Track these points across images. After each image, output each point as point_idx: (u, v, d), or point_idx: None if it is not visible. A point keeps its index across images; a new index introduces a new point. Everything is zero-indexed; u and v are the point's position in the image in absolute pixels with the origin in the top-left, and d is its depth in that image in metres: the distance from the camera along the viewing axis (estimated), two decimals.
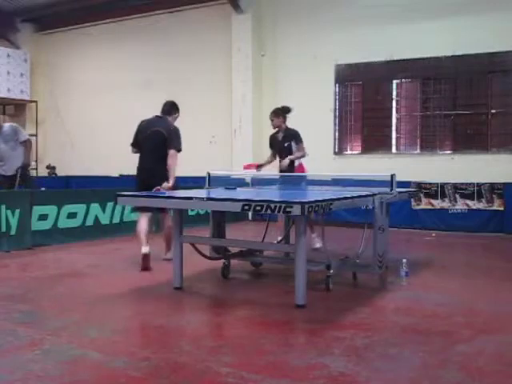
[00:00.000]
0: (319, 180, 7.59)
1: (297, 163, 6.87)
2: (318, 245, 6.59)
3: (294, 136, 6.85)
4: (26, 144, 7.74)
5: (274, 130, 7.08)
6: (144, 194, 5.24)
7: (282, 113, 6.93)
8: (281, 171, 6.81)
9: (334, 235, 7.29)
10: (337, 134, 10.63)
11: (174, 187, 5.72)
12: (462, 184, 8.92)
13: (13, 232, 6.87)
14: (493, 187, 8.80)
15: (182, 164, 11.27)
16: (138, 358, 3.14)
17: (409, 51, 9.72)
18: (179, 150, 5.89)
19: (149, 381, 2.87)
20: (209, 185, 5.77)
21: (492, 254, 7.11)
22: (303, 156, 6.91)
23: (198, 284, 5.20)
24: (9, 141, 7.64)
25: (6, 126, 7.77)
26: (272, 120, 6.91)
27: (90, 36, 13.25)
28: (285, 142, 6.84)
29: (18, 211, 6.91)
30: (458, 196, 8.90)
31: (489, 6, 9.09)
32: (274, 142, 7.04)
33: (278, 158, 7.00)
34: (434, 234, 8.52)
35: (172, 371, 2.98)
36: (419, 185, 8.82)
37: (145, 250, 5.69)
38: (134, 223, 8.36)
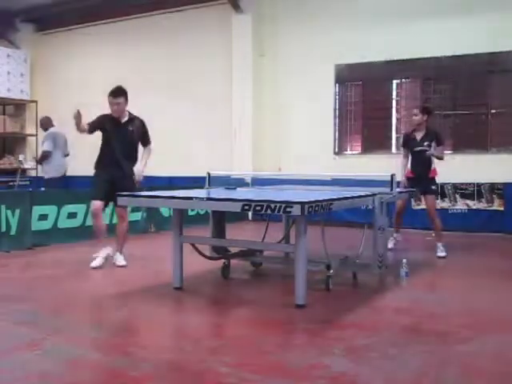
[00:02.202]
0: (319, 180, 7.61)
1: (433, 166, 6.71)
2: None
3: (435, 136, 6.65)
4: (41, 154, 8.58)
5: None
6: (144, 194, 5.24)
7: (427, 112, 6.72)
8: (413, 172, 6.72)
9: (334, 235, 7.30)
10: (337, 134, 10.63)
11: None
12: (462, 184, 8.91)
13: (13, 232, 6.87)
14: (493, 187, 8.80)
15: (182, 164, 11.39)
16: (138, 358, 3.14)
17: (409, 51, 9.71)
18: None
19: (149, 381, 2.87)
20: (209, 185, 5.77)
21: (492, 254, 7.11)
22: (441, 158, 6.74)
23: (197, 284, 5.20)
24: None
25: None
26: (415, 115, 6.66)
27: (90, 36, 13.24)
28: (424, 142, 6.64)
29: (18, 211, 6.91)
30: (457, 196, 8.90)
31: (489, 6, 9.08)
32: (409, 142, 6.81)
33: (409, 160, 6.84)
34: (434, 234, 8.51)
35: (172, 371, 2.98)
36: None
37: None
38: (133, 223, 8.39)
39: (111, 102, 5.65)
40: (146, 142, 5.96)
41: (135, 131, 5.80)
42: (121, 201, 4.91)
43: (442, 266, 6.15)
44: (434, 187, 6.80)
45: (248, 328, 3.79)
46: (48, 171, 8.59)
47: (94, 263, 5.68)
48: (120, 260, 5.87)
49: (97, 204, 5.62)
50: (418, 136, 6.77)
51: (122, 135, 5.72)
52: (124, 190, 5.14)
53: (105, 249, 5.79)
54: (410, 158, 6.89)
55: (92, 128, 5.66)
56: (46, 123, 8.75)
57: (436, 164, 6.87)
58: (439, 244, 6.64)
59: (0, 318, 3.94)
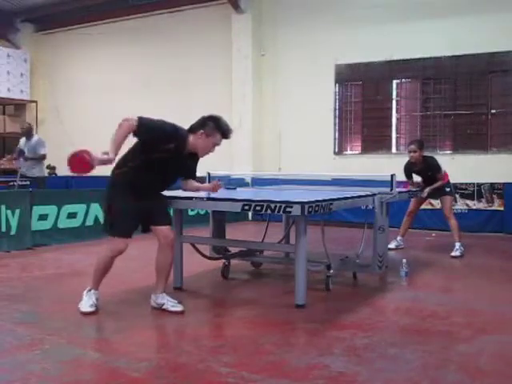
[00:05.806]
0: (319, 180, 7.60)
1: (441, 173, 6.86)
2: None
3: (433, 168, 6.82)
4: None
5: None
6: None
7: (423, 145, 6.91)
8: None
9: (334, 235, 7.30)
10: (337, 134, 10.63)
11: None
12: (462, 184, 8.91)
13: (13, 232, 6.87)
14: (493, 187, 8.80)
15: None
16: (137, 358, 3.14)
17: (409, 51, 9.72)
18: None
19: (149, 381, 2.87)
20: None
21: (492, 254, 7.11)
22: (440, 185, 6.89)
23: (197, 284, 5.20)
24: None
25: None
26: (414, 152, 6.73)
27: (90, 36, 13.24)
28: (428, 172, 6.84)
29: (18, 211, 6.90)
30: (458, 196, 8.90)
31: (489, 6, 9.08)
32: (414, 172, 6.96)
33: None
34: (433, 234, 8.52)
35: (172, 371, 2.98)
36: (419, 185, 8.79)
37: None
38: None
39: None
40: (194, 174, 4.36)
41: (189, 162, 4.26)
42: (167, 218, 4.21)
43: (442, 266, 6.15)
44: (448, 189, 6.97)
45: (248, 328, 3.79)
46: None
47: (85, 308, 4.10)
48: (170, 302, 4.19)
49: (125, 244, 4.14)
50: (419, 167, 6.86)
51: (178, 166, 4.15)
52: (164, 208, 4.33)
53: (94, 292, 4.21)
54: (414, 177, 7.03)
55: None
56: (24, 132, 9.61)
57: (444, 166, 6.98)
58: (457, 244, 6.72)
59: (0, 318, 3.94)
